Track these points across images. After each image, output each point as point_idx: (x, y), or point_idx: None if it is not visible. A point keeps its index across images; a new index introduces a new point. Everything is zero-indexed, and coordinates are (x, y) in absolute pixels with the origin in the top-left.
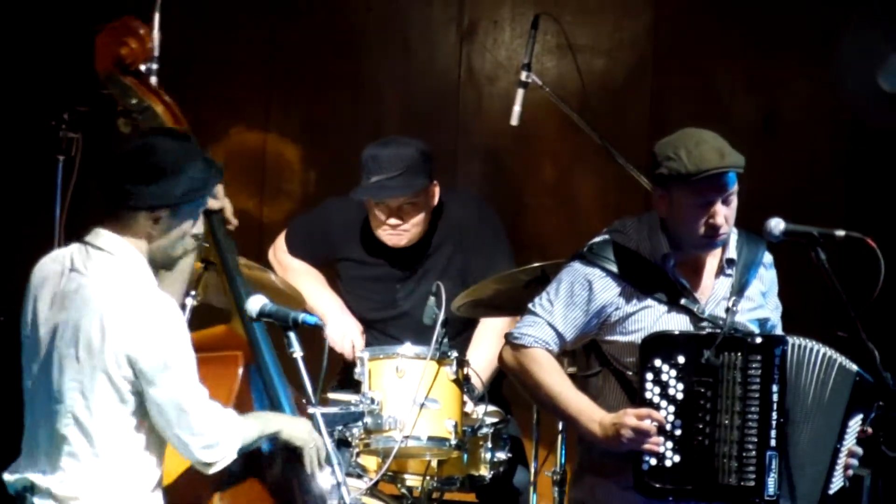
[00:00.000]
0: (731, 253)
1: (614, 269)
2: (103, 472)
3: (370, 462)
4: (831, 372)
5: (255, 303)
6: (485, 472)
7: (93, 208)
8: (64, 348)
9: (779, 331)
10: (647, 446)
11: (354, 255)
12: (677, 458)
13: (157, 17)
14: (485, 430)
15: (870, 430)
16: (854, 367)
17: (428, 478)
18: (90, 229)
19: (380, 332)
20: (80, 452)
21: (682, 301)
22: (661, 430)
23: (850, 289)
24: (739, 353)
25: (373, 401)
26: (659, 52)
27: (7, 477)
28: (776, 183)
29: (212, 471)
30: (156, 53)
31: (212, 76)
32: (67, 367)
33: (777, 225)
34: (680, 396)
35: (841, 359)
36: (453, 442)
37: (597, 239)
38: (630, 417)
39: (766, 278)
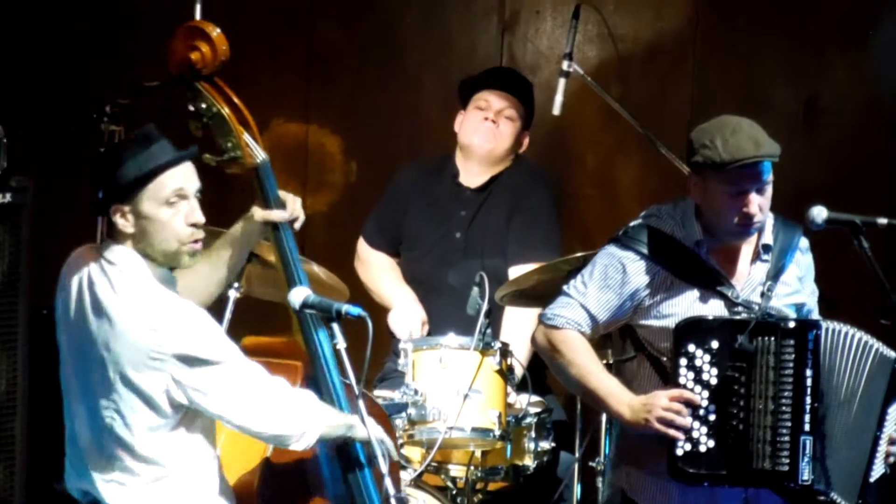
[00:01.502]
0: (768, 238)
1: (649, 253)
2: (160, 482)
3: (414, 453)
4: (868, 358)
5: (298, 294)
6: (529, 461)
7: None
8: (96, 367)
9: (815, 316)
10: (676, 428)
11: (421, 202)
12: (711, 444)
13: (198, 9)
14: (528, 419)
15: None
16: (893, 354)
17: (472, 468)
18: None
19: (435, 292)
20: (131, 467)
21: (717, 286)
22: (694, 414)
23: (893, 277)
24: (773, 338)
25: (416, 392)
26: (700, 41)
27: (68, 486)
28: (818, 170)
29: (294, 445)
30: None
31: (252, 69)
32: (100, 385)
33: (820, 213)
34: (714, 381)
35: (878, 345)
36: (497, 432)
37: (632, 223)
38: (661, 398)
39: (802, 263)
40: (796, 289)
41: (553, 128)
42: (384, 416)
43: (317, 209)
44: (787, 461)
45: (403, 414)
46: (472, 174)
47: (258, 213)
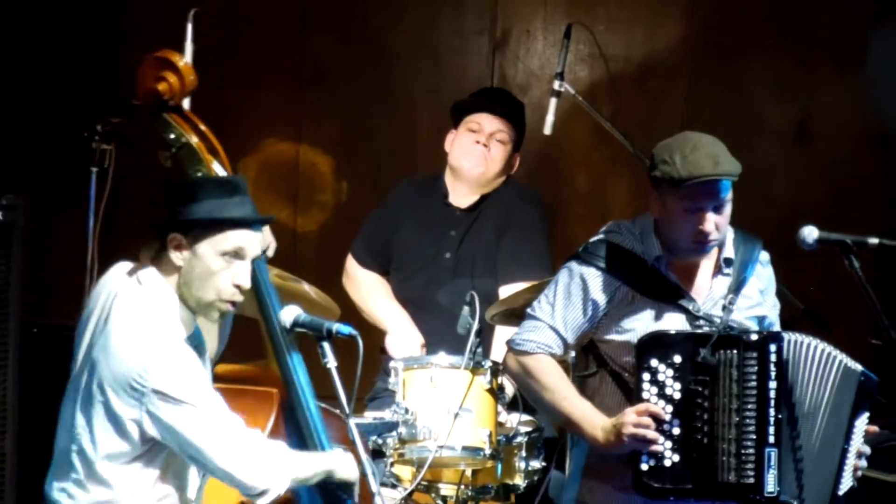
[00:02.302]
0: (729, 252)
1: (608, 268)
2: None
3: (405, 472)
4: (833, 370)
5: (289, 313)
6: (519, 480)
7: (126, 219)
8: (84, 376)
9: (777, 328)
10: (649, 444)
11: (411, 221)
12: (676, 458)
13: (189, 29)
14: (519, 438)
15: (876, 428)
16: (858, 367)
17: (462, 487)
18: (148, 254)
19: (423, 310)
20: (84, 481)
21: (678, 300)
22: (658, 429)
23: (884, 297)
24: (735, 351)
25: (407, 411)
26: (691, 61)
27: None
28: (809, 190)
29: (263, 500)
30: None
31: (244, 88)
32: (83, 398)
33: (811, 233)
34: (677, 396)
35: (843, 357)
36: (488, 451)
37: (592, 239)
38: (629, 415)
39: (763, 276)
40: (758, 301)
41: (544, 147)
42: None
43: (308, 228)
44: (752, 473)
45: (394, 433)
46: (462, 195)
47: None
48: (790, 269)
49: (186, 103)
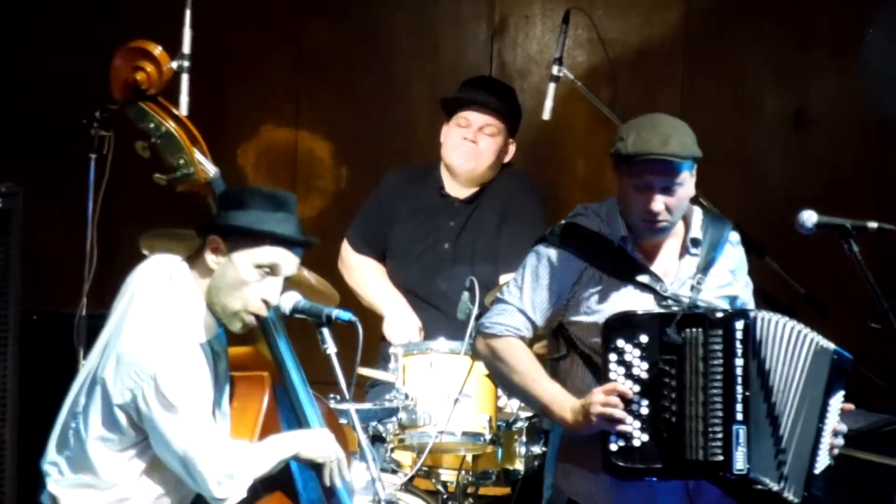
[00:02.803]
0: (696, 233)
1: (576, 249)
2: (86, 491)
3: (405, 457)
4: (805, 348)
5: (288, 299)
6: (520, 465)
7: (125, 206)
8: (93, 358)
9: (751, 308)
10: (617, 424)
11: (406, 212)
12: (645, 437)
13: (188, 15)
14: (519, 424)
15: (851, 406)
16: (831, 345)
17: (463, 472)
18: (191, 246)
19: (424, 300)
20: (74, 458)
21: (645, 280)
22: (627, 409)
23: (883, 280)
24: (700, 329)
25: (407, 396)
26: (689, 46)
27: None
28: (807, 175)
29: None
30: (187, 51)
31: (242, 74)
32: (90, 379)
33: (810, 217)
34: (644, 376)
35: (815, 336)
36: (488, 436)
37: (561, 223)
38: (597, 395)
39: (733, 256)
40: (728, 281)
41: (543, 132)
42: (337, 424)
43: (306, 214)
44: (720, 451)
45: (394, 418)
46: (459, 186)
47: None
48: (787, 254)
49: (185, 88)
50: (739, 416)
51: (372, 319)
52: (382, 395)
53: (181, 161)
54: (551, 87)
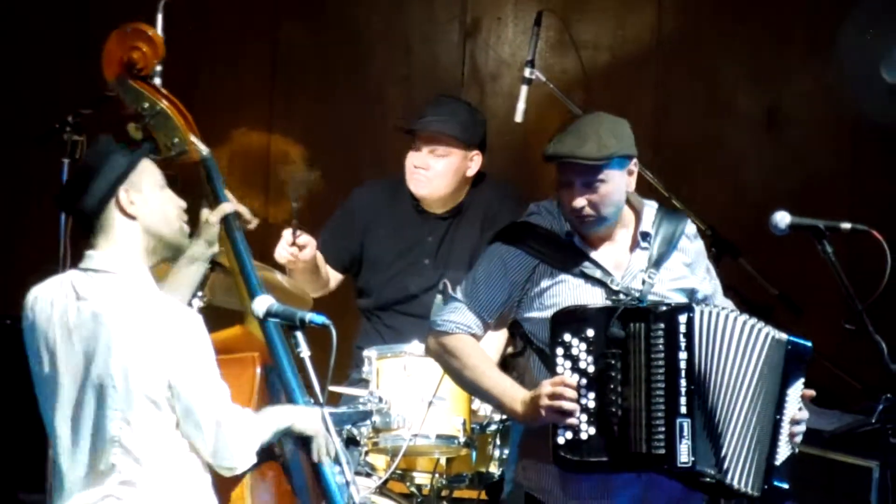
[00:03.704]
0: (646, 227)
1: (527, 246)
2: (159, 491)
3: (379, 461)
4: (758, 341)
5: (262, 303)
6: (494, 469)
7: None
8: (98, 379)
9: (718, 299)
10: (564, 416)
11: (382, 229)
12: (592, 430)
13: (160, 17)
14: (493, 427)
15: (812, 392)
16: (784, 336)
17: (437, 475)
18: (82, 255)
19: (400, 312)
20: (133, 479)
21: (595, 274)
22: (575, 400)
23: (857, 281)
24: (643, 323)
25: (381, 399)
26: (662, 48)
27: None
28: (782, 175)
29: (234, 473)
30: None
31: (215, 76)
32: (107, 396)
33: (783, 218)
34: (591, 369)
35: (768, 328)
36: (462, 439)
37: (515, 221)
38: (545, 387)
39: (690, 250)
40: (682, 275)
41: (516, 136)
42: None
43: (279, 218)
44: (663, 444)
45: (368, 422)
46: (434, 208)
47: (212, 214)
48: (762, 254)
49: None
50: (683, 410)
51: (345, 323)
52: (356, 399)
53: (175, 140)
54: (523, 89)
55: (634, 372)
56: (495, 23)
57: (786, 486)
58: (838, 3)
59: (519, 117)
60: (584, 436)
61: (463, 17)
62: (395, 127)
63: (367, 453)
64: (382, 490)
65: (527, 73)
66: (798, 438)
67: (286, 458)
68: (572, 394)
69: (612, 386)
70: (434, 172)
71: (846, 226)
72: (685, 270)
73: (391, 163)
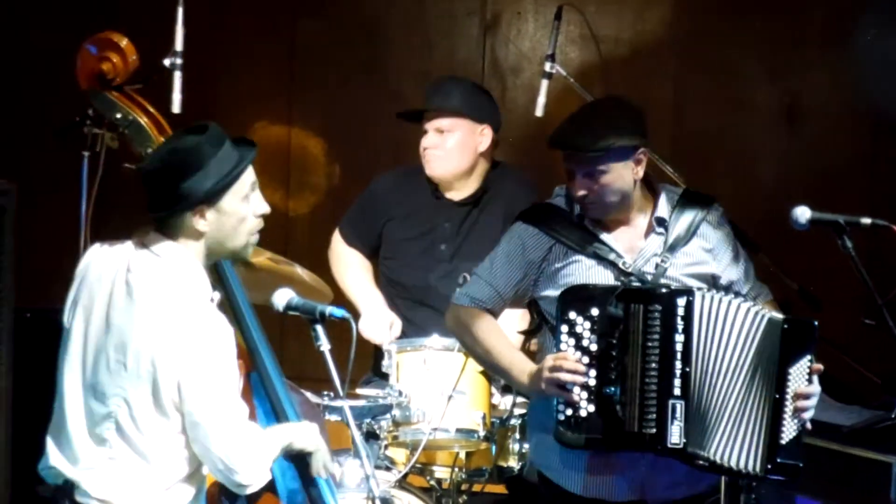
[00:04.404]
0: (661, 212)
1: (545, 227)
2: (143, 478)
3: (399, 454)
4: (758, 325)
5: (282, 296)
6: (513, 463)
7: (118, 203)
8: (113, 352)
9: (746, 287)
10: (563, 390)
11: (400, 213)
12: (591, 408)
13: (180, 12)
14: (513, 421)
15: (820, 366)
16: (780, 316)
17: (456, 469)
18: (146, 230)
19: (419, 302)
20: (119, 457)
21: (607, 256)
22: (576, 376)
23: (876, 276)
24: (642, 305)
25: (401, 393)
26: (681, 42)
27: (45, 471)
28: (799, 171)
29: (247, 492)
30: (179, 48)
31: (234, 70)
32: (115, 372)
33: (803, 213)
34: (593, 348)
35: (767, 312)
36: (482, 433)
37: (538, 203)
38: (548, 361)
39: (711, 236)
40: (701, 260)
41: (536, 129)
42: (316, 414)
43: (299, 211)
44: (654, 424)
45: (388, 415)
46: (453, 190)
47: None
48: (780, 248)
49: (178, 86)
50: (677, 392)
51: None
52: (377, 391)
53: (149, 149)
54: (544, 83)
55: (632, 352)
56: (515, 17)
57: (797, 463)
58: None
59: (539, 111)
60: (583, 413)
61: (483, 12)
62: (398, 115)
63: (386, 447)
64: (402, 484)
65: (547, 67)
66: (807, 414)
67: None
68: (572, 366)
69: (611, 365)
70: (444, 150)
71: (866, 221)
72: (705, 256)
73: (410, 157)
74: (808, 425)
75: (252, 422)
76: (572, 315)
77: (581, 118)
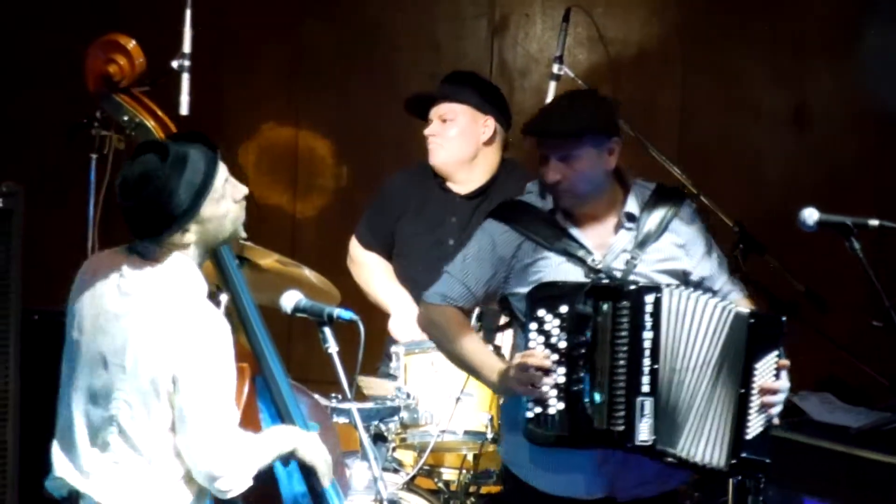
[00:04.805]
0: (631, 208)
1: (515, 223)
2: (147, 480)
3: (406, 456)
4: (723, 319)
5: (290, 298)
6: None
7: None
8: (111, 356)
9: (719, 283)
10: (533, 388)
11: (411, 208)
12: (561, 406)
13: (188, 14)
14: None
15: (787, 362)
16: (746, 311)
17: (464, 471)
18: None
19: None
20: (123, 461)
21: (576, 252)
22: (545, 375)
23: (884, 278)
24: (610, 302)
25: (409, 395)
26: (689, 44)
27: (50, 484)
28: (806, 172)
29: (226, 496)
30: (187, 50)
31: (241, 72)
32: (114, 375)
33: (811, 215)
34: (562, 345)
35: (730, 305)
36: (489, 435)
37: (508, 199)
38: (516, 359)
39: (683, 231)
40: (672, 256)
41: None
42: (327, 418)
43: (307, 213)
44: (623, 422)
45: (396, 417)
46: (458, 182)
47: None
48: (787, 250)
49: (185, 87)
50: (645, 389)
51: (373, 318)
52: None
53: None
54: (552, 85)
55: (601, 349)
56: (523, 19)
57: (764, 459)
58: (863, 1)
59: None
60: (552, 411)
61: (491, 14)
62: (406, 102)
63: (394, 449)
64: (410, 486)
65: (555, 69)
66: (774, 409)
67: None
68: (541, 364)
69: (580, 363)
70: (444, 138)
71: (874, 223)
72: (677, 252)
73: (416, 159)
74: (776, 420)
75: (242, 429)
76: (541, 312)
77: (555, 107)
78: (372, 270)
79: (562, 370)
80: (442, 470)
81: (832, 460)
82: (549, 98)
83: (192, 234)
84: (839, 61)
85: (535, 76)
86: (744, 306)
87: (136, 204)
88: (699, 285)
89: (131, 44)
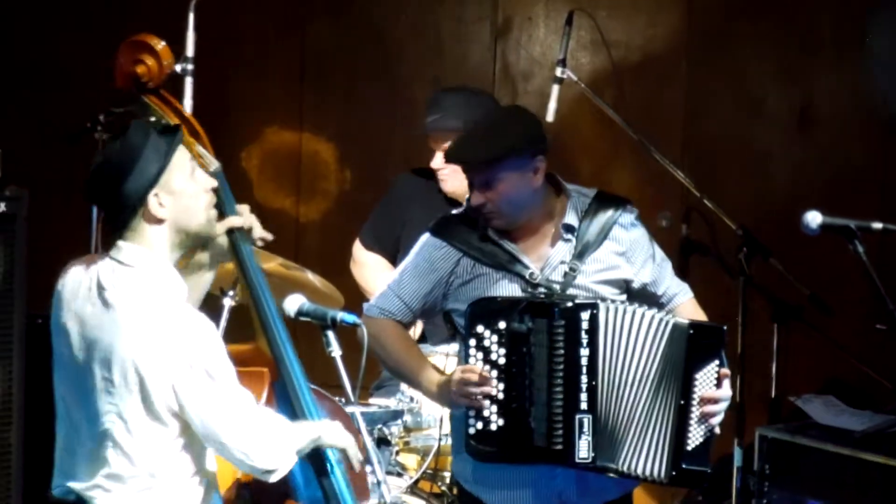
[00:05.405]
0: (569, 219)
1: (453, 239)
2: (149, 492)
3: (410, 460)
4: (661, 332)
5: (293, 302)
6: None
7: None
8: (98, 370)
9: (663, 287)
10: (472, 402)
11: (416, 217)
12: (501, 422)
13: (191, 18)
14: None
15: (727, 371)
16: (686, 322)
17: None
18: (114, 243)
19: None
20: (122, 474)
21: (513, 268)
22: (485, 391)
23: (888, 281)
24: (546, 319)
25: (412, 399)
26: (693, 47)
27: (56, 490)
28: (811, 174)
29: (273, 478)
30: (191, 54)
31: (246, 77)
32: (103, 390)
33: (814, 218)
34: (502, 361)
35: (674, 319)
36: None
37: (446, 214)
38: (456, 373)
39: (624, 239)
40: (612, 265)
41: (547, 134)
42: (347, 417)
43: (310, 217)
44: (561, 440)
45: (399, 421)
46: (463, 197)
47: (219, 226)
48: (792, 253)
49: (189, 92)
50: (584, 406)
51: None
52: (388, 398)
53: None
54: (555, 88)
55: (538, 366)
56: (526, 22)
57: (705, 469)
58: (869, 3)
59: (550, 117)
60: (493, 427)
61: (494, 17)
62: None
63: (398, 453)
64: (413, 490)
65: (558, 72)
66: (716, 419)
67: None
68: (478, 379)
69: (519, 379)
70: (451, 168)
71: (878, 226)
72: (617, 260)
73: (420, 163)
74: (717, 430)
75: (264, 407)
76: (480, 328)
77: (475, 131)
78: (373, 270)
79: (502, 386)
80: (445, 473)
81: (836, 463)
82: (552, 102)
83: (165, 210)
84: (846, 62)
85: (538, 79)
86: (682, 318)
87: (99, 182)
88: (642, 291)
89: (160, 45)
